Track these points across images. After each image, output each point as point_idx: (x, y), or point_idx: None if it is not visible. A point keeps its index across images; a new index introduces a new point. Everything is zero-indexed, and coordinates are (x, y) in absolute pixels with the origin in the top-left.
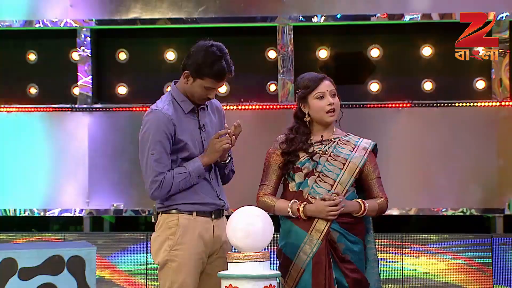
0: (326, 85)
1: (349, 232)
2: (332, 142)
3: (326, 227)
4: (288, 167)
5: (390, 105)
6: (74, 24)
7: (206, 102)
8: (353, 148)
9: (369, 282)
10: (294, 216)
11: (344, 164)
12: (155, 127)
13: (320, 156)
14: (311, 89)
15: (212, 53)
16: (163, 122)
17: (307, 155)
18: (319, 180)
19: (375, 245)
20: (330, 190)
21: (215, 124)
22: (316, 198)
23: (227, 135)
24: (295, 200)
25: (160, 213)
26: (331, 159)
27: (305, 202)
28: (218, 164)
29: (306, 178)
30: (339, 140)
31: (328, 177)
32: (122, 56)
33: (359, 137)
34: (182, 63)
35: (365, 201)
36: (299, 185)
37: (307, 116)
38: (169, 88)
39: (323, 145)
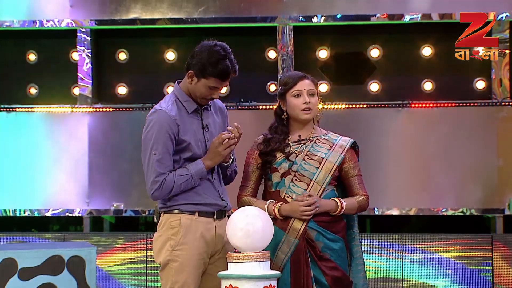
0: (305, 84)
1: (327, 230)
2: (309, 141)
3: (303, 226)
4: (266, 167)
5: (390, 105)
6: (74, 24)
7: (209, 103)
8: (331, 147)
9: (351, 280)
10: (271, 216)
11: (320, 163)
12: (158, 128)
13: (297, 156)
14: (289, 87)
15: (216, 52)
16: (166, 123)
17: (284, 155)
18: (296, 180)
19: (360, 242)
20: (306, 190)
21: (218, 124)
22: (292, 198)
23: (230, 137)
24: (272, 200)
25: (162, 213)
26: (307, 158)
27: (281, 202)
28: (220, 165)
29: (283, 178)
30: (317, 139)
31: (304, 176)
32: (122, 56)
33: (338, 135)
34: (186, 63)
35: (342, 200)
36: (276, 185)
37: (285, 113)
38: (169, 88)
39: (300, 145)
